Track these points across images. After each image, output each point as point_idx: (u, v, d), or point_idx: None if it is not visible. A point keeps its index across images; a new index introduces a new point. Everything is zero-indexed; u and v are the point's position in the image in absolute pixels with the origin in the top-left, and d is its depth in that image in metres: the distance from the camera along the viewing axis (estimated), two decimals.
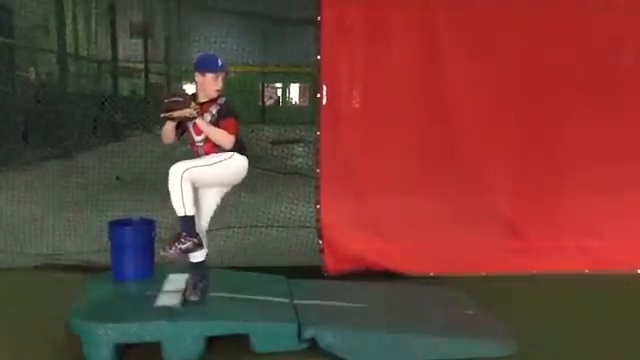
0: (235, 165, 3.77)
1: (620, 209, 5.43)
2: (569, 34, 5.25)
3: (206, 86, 3.70)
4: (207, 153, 3.78)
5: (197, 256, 3.90)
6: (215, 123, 3.69)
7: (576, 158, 5.41)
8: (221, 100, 3.74)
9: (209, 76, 3.69)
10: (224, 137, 3.66)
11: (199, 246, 3.74)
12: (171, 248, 3.67)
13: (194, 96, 3.77)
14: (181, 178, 3.57)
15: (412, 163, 5.28)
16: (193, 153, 3.85)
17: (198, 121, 3.66)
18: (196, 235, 3.73)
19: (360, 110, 5.34)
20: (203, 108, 3.72)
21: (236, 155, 3.74)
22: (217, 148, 3.73)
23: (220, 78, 3.72)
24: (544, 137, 5.39)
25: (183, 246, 3.68)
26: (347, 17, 5.15)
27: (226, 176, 3.83)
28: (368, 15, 5.17)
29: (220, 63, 3.73)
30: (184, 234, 3.67)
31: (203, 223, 3.94)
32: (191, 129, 3.78)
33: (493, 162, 5.35)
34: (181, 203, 3.63)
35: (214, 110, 3.71)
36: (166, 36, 24.30)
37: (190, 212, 3.68)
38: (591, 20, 5.23)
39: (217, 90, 3.71)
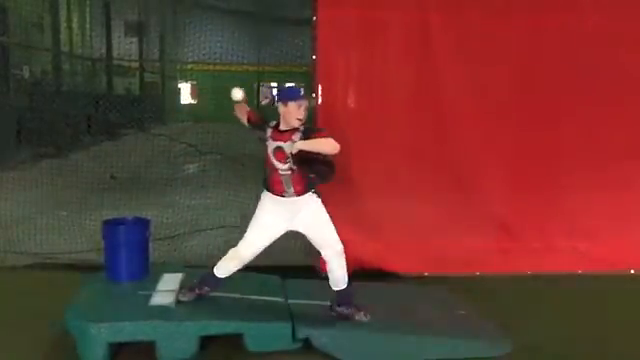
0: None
1: (612, 210, 5.45)
2: (563, 37, 5.27)
3: (288, 115, 3.65)
4: (295, 182, 3.69)
5: (223, 272, 3.87)
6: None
7: (570, 160, 5.42)
8: (301, 127, 3.68)
9: (292, 105, 3.64)
10: (327, 143, 3.56)
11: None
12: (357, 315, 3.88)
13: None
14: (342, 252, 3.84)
15: (407, 163, 5.28)
16: (272, 181, 3.73)
17: (299, 144, 3.54)
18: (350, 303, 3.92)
19: (355, 110, 5.34)
20: (284, 137, 3.66)
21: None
22: (304, 178, 3.70)
23: (303, 107, 3.67)
24: (538, 139, 5.40)
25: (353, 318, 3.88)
26: (342, 17, 5.15)
27: None
28: (363, 15, 5.17)
29: (302, 93, 3.74)
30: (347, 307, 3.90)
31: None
32: (272, 157, 3.68)
33: (487, 163, 5.36)
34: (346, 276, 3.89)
35: (296, 138, 3.62)
36: (161, 35, 24.23)
37: None
38: (586, 22, 5.25)
39: (299, 119, 3.65)
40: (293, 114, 3.64)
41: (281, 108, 3.67)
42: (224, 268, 3.87)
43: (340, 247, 3.83)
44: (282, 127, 3.70)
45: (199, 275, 3.97)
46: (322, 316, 3.90)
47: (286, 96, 3.69)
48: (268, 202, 3.79)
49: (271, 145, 3.69)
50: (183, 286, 3.93)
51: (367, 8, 5.16)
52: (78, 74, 17.64)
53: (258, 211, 3.83)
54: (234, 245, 3.90)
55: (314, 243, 3.90)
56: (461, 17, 5.19)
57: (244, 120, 3.96)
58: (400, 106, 5.28)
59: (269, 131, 3.73)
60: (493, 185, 5.38)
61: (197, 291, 3.87)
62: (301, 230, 3.86)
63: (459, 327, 3.99)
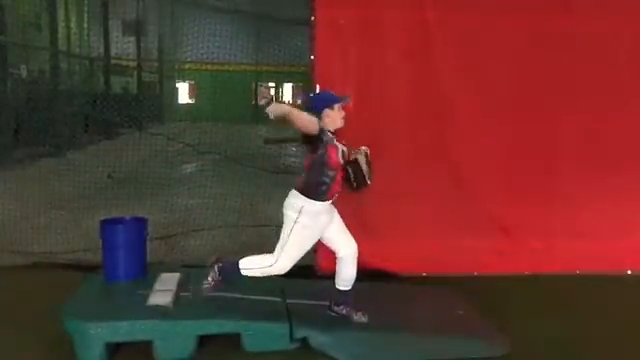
0: None
1: (610, 210, 5.46)
2: (563, 36, 5.27)
3: (336, 117, 3.72)
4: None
5: (250, 274, 3.80)
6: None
7: (569, 160, 5.44)
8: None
9: (336, 107, 3.72)
10: None
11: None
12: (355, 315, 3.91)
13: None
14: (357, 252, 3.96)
15: (405, 163, 5.28)
16: (335, 185, 3.73)
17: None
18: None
19: (353, 110, 5.31)
20: (339, 139, 3.75)
21: None
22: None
23: (341, 107, 3.77)
24: (537, 139, 5.40)
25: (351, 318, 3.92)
26: (340, 17, 5.15)
27: None
28: (361, 15, 5.16)
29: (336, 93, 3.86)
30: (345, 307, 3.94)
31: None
32: (341, 158, 3.73)
33: (486, 163, 5.36)
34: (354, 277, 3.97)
35: (343, 141, 3.75)
36: (159, 34, 24.19)
37: None
38: (584, 22, 5.25)
39: (343, 118, 3.75)
40: (339, 115, 3.73)
41: (327, 112, 3.70)
42: (256, 274, 3.78)
43: (356, 246, 3.91)
44: (331, 128, 3.74)
45: (220, 270, 3.80)
46: (320, 316, 3.90)
47: (330, 101, 3.75)
48: (316, 212, 3.69)
49: (339, 146, 3.71)
50: (202, 281, 3.80)
51: (365, 7, 5.15)
52: (76, 73, 17.59)
53: (307, 222, 3.66)
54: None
55: (334, 243, 3.91)
56: (460, 16, 5.19)
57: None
58: (399, 106, 5.27)
59: (329, 134, 3.70)
60: (493, 185, 5.37)
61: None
62: (326, 234, 3.86)
63: (458, 327, 3.98)
